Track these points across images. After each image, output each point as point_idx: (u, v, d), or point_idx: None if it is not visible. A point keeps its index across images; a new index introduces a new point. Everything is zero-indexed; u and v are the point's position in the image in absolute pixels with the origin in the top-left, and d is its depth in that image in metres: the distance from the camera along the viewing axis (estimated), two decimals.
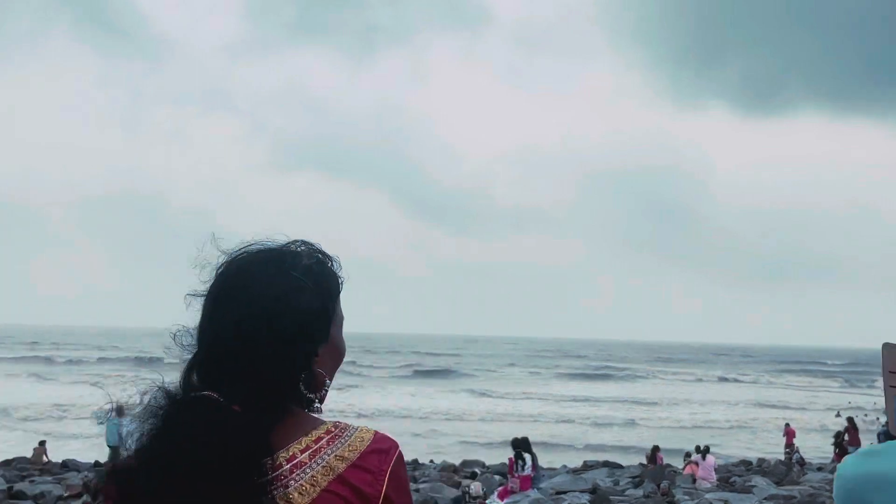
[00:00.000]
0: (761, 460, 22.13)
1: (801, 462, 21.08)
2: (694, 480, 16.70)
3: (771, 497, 13.91)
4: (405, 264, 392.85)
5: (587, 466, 20.76)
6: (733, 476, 17.76)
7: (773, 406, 43.55)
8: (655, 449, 20.68)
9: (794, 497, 13.85)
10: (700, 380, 66.02)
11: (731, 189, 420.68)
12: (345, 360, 1.34)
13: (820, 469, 19.33)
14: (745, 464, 21.97)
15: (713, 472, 17.03)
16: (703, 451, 17.49)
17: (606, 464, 21.38)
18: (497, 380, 58.48)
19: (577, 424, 33.77)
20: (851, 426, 20.12)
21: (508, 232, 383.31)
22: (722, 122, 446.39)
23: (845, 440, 19.72)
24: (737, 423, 36.40)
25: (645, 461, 20.99)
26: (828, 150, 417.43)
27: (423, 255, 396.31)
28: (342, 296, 1.29)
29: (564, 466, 19.48)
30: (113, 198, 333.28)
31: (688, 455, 19.24)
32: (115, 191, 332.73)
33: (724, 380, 67.47)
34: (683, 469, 17.73)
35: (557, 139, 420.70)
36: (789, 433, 24.91)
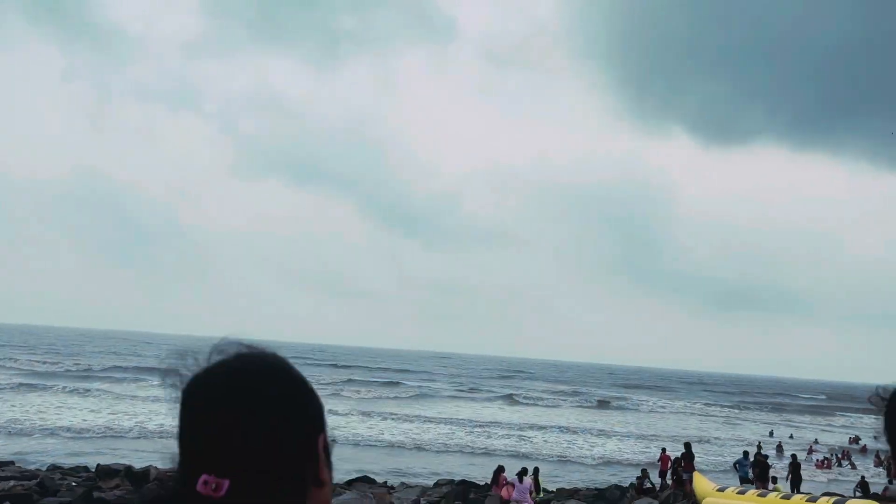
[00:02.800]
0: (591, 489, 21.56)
1: (648, 490, 20.58)
2: (506, 502, 16.17)
3: None
4: (366, 277, 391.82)
5: (438, 486, 20.04)
6: (553, 500, 17.27)
7: (702, 438, 42.25)
8: (500, 469, 20.13)
9: None
10: (639, 408, 65.19)
11: (693, 215, 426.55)
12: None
13: (655, 497, 18.88)
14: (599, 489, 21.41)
15: (528, 495, 16.51)
16: (521, 473, 17.00)
17: (463, 482, 20.75)
18: (421, 398, 57.76)
19: (475, 454, 32.48)
20: (687, 452, 19.71)
21: (475, 248, 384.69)
22: (684, 149, 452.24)
23: (681, 466, 19.28)
24: (648, 454, 35.15)
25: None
26: (787, 181, 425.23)
27: (387, 268, 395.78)
28: None
29: (365, 483, 18.75)
30: (75, 193, 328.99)
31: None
32: (79, 186, 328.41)
33: (666, 409, 66.74)
34: (499, 490, 17.18)
35: (522, 159, 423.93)
36: (664, 459, 24.66)
